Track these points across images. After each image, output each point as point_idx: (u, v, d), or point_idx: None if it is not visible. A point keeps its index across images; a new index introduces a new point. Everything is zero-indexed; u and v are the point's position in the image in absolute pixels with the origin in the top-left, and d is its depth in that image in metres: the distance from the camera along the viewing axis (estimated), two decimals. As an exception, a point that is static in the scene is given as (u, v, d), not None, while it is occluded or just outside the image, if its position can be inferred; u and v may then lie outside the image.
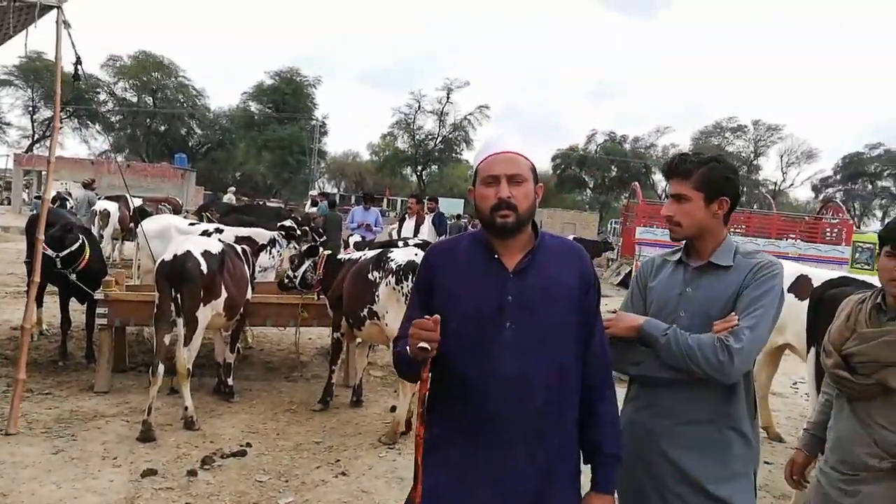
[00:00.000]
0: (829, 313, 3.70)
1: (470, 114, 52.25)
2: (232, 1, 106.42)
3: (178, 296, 4.60)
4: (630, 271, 19.36)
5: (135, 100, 49.41)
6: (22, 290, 9.00)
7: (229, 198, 21.55)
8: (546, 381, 1.77)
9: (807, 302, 4.01)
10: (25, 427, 4.50)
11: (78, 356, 6.38)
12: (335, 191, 53.42)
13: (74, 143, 57.19)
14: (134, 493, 3.82)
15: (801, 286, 4.71)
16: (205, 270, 4.71)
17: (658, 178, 56.48)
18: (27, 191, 33.26)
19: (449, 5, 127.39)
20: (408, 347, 1.71)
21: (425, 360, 1.69)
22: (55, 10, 4.73)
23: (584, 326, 1.85)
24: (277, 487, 4.10)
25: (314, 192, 22.64)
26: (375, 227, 10.82)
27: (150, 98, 49.63)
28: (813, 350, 3.79)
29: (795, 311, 4.30)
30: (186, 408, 4.81)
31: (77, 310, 6.41)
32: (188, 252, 4.69)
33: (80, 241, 5.72)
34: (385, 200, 35.19)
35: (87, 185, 14.38)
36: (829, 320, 3.76)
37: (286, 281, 5.75)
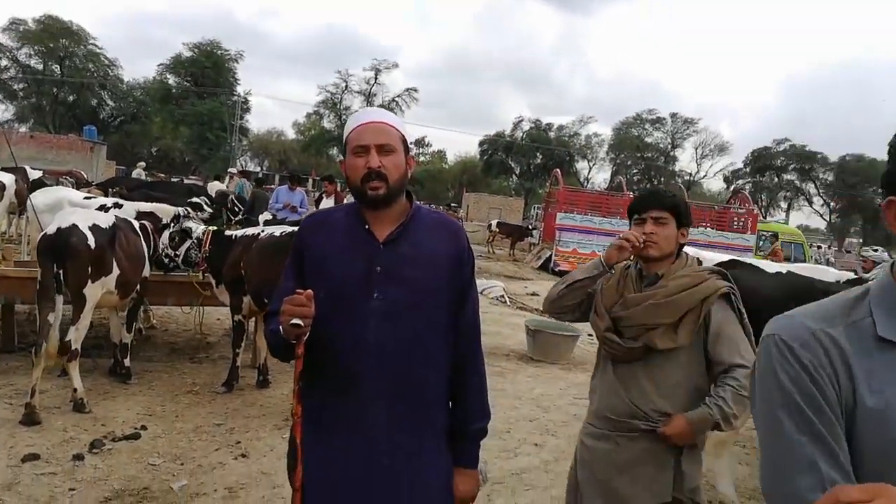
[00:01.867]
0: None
1: (398, 96, 51.96)
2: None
3: (62, 272, 4.33)
4: (550, 256, 19.78)
5: (40, 67, 46.30)
6: None
7: (138, 173, 20.37)
8: (410, 346, 1.77)
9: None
10: None
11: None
12: (258, 169, 51.96)
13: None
14: (12, 479, 3.60)
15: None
16: (92, 245, 4.44)
17: (581, 165, 58.04)
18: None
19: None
20: (280, 326, 1.66)
21: (299, 336, 1.65)
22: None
23: (457, 298, 1.86)
24: (171, 471, 3.94)
25: (233, 170, 21.85)
26: (301, 207, 10.54)
27: (58, 66, 46.65)
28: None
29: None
30: (75, 389, 4.55)
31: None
32: (73, 225, 4.41)
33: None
34: (311, 181, 34.44)
35: None
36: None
37: (166, 260, 5.50)
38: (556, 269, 18.77)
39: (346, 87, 51.52)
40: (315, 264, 1.82)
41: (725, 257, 4.93)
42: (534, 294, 13.47)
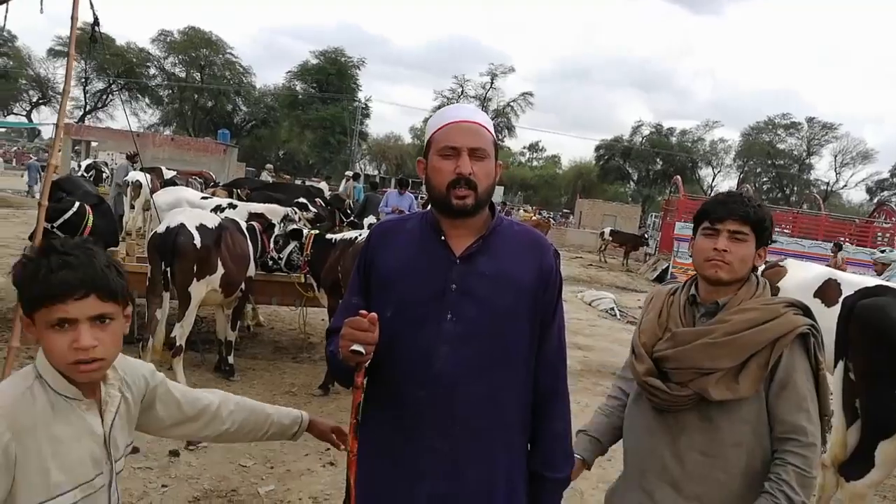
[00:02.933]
0: (864, 325, 3.33)
1: (513, 100, 51.71)
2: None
3: (169, 269, 4.47)
4: (667, 267, 18.80)
5: (183, 75, 50.17)
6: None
7: (265, 175, 21.54)
8: (485, 377, 1.56)
9: (835, 309, 3.64)
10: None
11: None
12: (376, 173, 53.51)
13: (124, 116, 58.49)
14: (112, 471, 3.71)
15: (828, 291, 4.33)
16: (198, 244, 4.56)
17: (705, 172, 55.13)
18: (76, 159, 34.10)
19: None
20: (340, 349, 1.48)
21: (359, 364, 1.48)
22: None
23: (538, 325, 1.63)
24: (261, 474, 3.95)
25: (349, 173, 22.52)
26: (409, 211, 10.60)
27: (198, 74, 50.33)
28: (841, 364, 3.43)
29: (821, 320, 3.91)
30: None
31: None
32: (182, 225, 4.55)
33: (76, 208, 5.63)
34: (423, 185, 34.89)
35: (131, 158, 14.34)
36: (862, 334, 3.29)
37: (270, 262, 5.59)
38: (674, 282, 17.78)
39: (462, 91, 51.91)
40: (382, 279, 1.65)
41: (872, 281, 4.29)
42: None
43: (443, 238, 1.61)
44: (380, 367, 1.58)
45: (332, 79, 49.41)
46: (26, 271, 1.25)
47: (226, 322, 5.51)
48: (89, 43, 5.18)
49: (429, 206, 1.73)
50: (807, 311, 1.83)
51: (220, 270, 4.79)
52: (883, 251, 8.67)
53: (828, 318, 3.75)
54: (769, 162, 53.53)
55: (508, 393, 1.59)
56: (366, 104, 50.95)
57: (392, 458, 1.59)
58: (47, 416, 1.25)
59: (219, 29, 67.41)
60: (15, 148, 41.26)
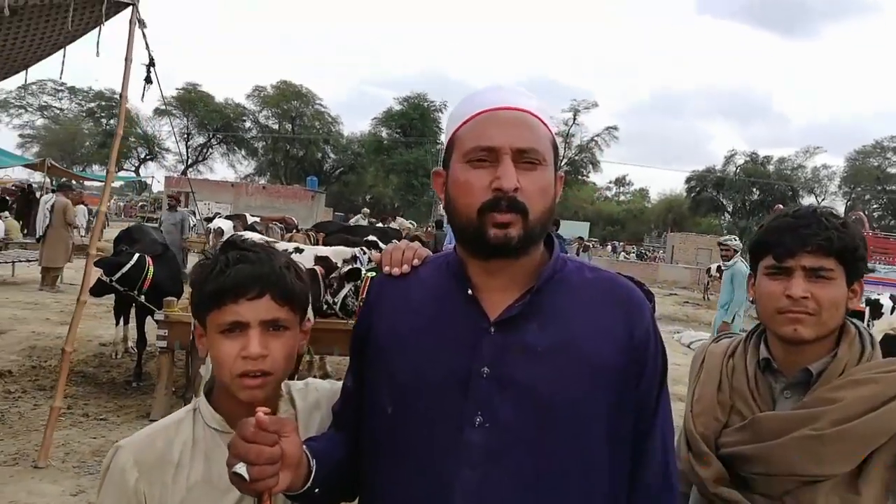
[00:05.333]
0: None
1: (597, 135, 50.67)
2: (364, 29, 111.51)
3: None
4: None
5: (276, 126, 52.49)
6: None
7: (357, 219, 21.77)
8: None
9: None
10: (60, 459, 4.18)
11: (154, 378, 6.19)
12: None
13: (223, 168, 61.78)
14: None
15: None
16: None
17: (807, 201, 51.79)
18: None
19: (580, 30, 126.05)
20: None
21: (260, 495, 0.93)
22: (129, 8, 4.48)
23: (628, 435, 1.05)
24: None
25: (443, 215, 22.44)
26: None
27: (290, 125, 52.52)
28: None
29: None
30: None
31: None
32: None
33: (135, 260, 5.49)
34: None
35: (172, 204, 12.77)
36: None
37: (324, 307, 5.15)
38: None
39: (545, 129, 51.49)
40: (381, 353, 1.11)
41: None
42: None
43: (470, 292, 1.07)
44: (371, 495, 1.09)
45: (415, 123, 50.24)
46: (202, 269, 1.16)
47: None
48: (144, 84, 5.03)
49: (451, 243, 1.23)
50: None
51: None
52: (728, 239, 8.25)
53: None
54: (879, 188, 49.76)
55: None
56: (448, 146, 51.41)
57: None
58: (185, 454, 1.13)
59: (309, 81, 70.66)
60: (122, 203, 44.11)
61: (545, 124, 1.07)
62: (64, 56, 5.00)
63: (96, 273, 5.05)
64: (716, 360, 1.41)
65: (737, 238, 8.44)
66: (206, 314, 1.14)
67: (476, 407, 1.00)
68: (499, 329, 1.03)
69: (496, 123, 1.04)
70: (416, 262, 1.19)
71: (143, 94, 4.75)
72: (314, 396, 1.28)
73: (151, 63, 4.88)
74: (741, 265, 7.46)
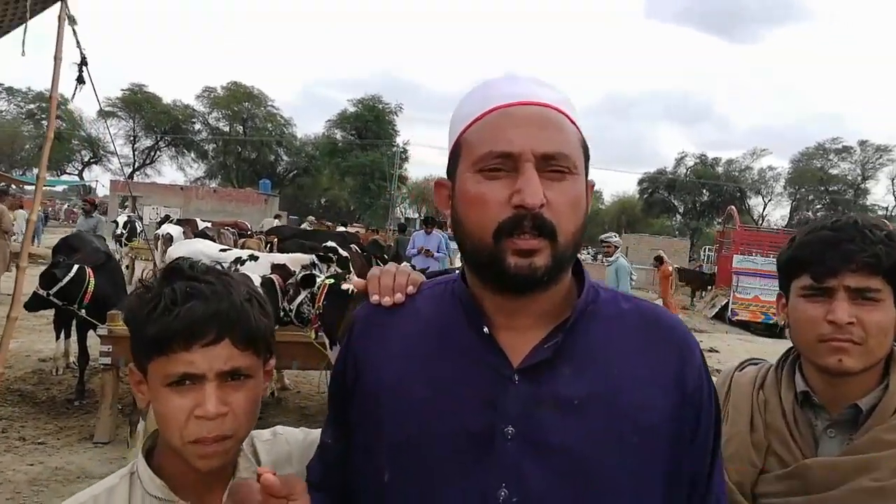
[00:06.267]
0: None
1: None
2: (315, 30, 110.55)
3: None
4: (727, 304, 17.58)
5: (227, 129, 51.30)
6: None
7: (305, 226, 21.42)
8: None
9: None
10: (-9, 490, 3.83)
11: (98, 396, 5.79)
12: (417, 216, 53.31)
13: (171, 171, 60.15)
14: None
15: None
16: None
17: (754, 202, 53.40)
18: (122, 213, 34.79)
19: (531, 32, 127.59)
20: None
21: None
22: (58, 4, 4.15)
23: (681, 497, 0.87)
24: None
25: (401, 218, 22.20)
26: (438, 252, 9.90)
27: (241, 127, 51.39)
28: None
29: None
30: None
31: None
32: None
33: (74, 273, 5.10)
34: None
35: (87, 209, 12.06)
36: None
37: (280, 314, 4.87)
38: (734, 319, 16.64)
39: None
40: (371, 407, 0.90)
41: None
42: (712, 350, 11.69)
43: (486, 330, 0.87)
44: None
45: (370, 125, 49.75)
46: (141, 304, 0.92)
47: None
48: (76, 83, 4.67)
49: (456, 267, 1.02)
50: None
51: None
52: (608, 236, 9.58)
53: None
54: (822, 188, 51.56)
55: None
56: (404, 148, 51.09)
57: None
58: None
59: (260, 83, 69.36)
60: (66, 206, 42.48)
61: (573, 121, 0.87)
62: (-6, 53, 4.62)
63: (31, 284, 4.67)
64: (744, 393, 1.23)
65: (616, 235, 9.75)
66: (148, 361, 0.93)
67: (499, 477, 0.81)
68: (524, 377, 0.83)
69: (514, 123, 0.83)
70: (410, 289, 0.97)
71: (73, 95, 4.39)
72: (284, 450, 1.08)
73: (84, 62, 4.53)
74: (622, 260, 8.76)
